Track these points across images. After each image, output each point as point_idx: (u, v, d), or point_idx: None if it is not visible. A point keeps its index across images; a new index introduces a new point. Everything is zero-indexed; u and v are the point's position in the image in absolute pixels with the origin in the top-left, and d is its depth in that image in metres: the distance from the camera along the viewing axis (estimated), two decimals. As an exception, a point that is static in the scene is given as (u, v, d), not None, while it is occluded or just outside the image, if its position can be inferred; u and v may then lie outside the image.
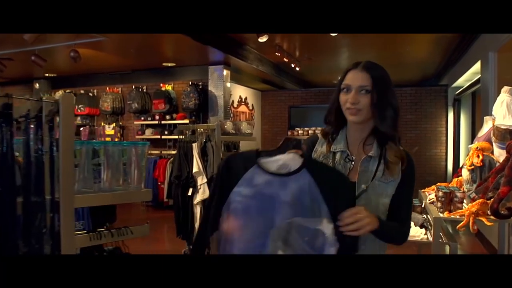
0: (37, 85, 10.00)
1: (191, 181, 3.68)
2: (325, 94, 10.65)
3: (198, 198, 3.66)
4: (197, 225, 3.53)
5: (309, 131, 6.58)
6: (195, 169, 3.65)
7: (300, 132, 6.68)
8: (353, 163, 1.52)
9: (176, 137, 6.38)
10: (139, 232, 1.83)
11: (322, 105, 10.62)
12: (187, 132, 4.43)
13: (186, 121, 8.16)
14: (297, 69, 8.73)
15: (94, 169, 1.49)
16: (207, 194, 3.57)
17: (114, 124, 9.14)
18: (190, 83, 8.31)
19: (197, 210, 3.69)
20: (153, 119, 8.70)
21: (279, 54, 7.67)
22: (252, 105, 10.60)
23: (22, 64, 7.06)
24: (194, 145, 3.70)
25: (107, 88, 9.12)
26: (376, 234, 1.40)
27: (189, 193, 3.69)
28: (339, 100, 1.52)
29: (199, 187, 3.61)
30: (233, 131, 4.08)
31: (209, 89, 8.26)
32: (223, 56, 7.55)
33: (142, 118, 8.82)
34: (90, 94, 9.30)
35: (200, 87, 8.26)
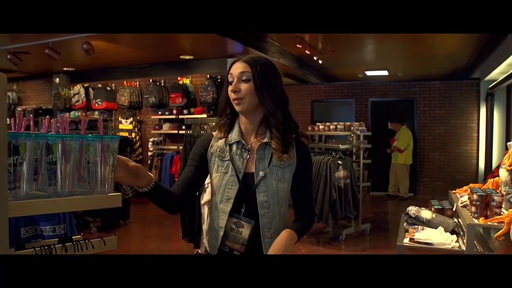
0: (57, 79, 9.93)
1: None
2: (349, 88, 10.25)
3: (205, 197, 3.36)
4: (204, 227, 3.25)
5: (331, 126, 6.20)
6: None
7: (321, 127, 6.31)
8: (249, 152, 1.59)
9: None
10: (103, 247, 1.56)
11: (346, 99, 10.25)
12: (202, 126, 4.15)
13: (204, 115, 7.90)
14: (320, 62, 8.37)
15: (49, 168, 1.20)
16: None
17: (131, 119, 8.99)
18: (208, 76, 8.05)
19: (205, 211, 3.39)
20: (171, 113, 8.48)
21: (300, 46, 7.33)
22: (273, 99, 10.26)
23: (41, 59, 6.95)
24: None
25: (124, 82, 8.95)
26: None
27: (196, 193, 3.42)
28: (228, 93, 1.57)
29: (206, 185, 3.31)
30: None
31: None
32: (242, 48, 7.26)
33: (160, 113, 8.62)
34: (108, 88, 9.15)
35: (219, 80, 7.99)
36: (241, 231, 1.55)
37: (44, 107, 9.67)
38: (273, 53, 7.67)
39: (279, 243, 1.46)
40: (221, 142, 1.63)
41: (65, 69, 9.56)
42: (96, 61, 8.53)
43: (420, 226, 2.94)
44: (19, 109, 9.74)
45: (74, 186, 1.31)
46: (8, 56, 6.78)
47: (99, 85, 9.17)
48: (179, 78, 8.50)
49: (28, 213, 1.14)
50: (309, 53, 7.66)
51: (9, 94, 10.12)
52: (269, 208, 1.54)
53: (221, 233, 1.57)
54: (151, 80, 8.63)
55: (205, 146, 1.67)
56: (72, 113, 9.32)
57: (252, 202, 1.55)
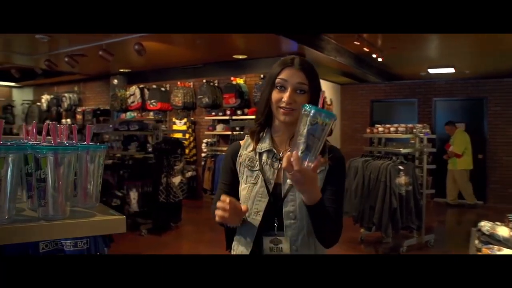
0: (115, 81, 10.10)
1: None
2: (411, 87, 9.66)
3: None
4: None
5: (391, 129, 5.76)
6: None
7: (380, 129, 5.89)
8: (280, 162, 1.49)
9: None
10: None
11: (408, 99, 9.66)
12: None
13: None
14: (380, 59, 7.90)
15: (38, 187, 0.99)
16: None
17: (185, 119, 8.94)
18: (262, 76, 7.83)
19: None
20: (224, 114, 8.34)
21: (358, 43, 6.93)
22: (331, 99, 9.88)
23: (98, 61, 7.04)
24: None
25: (178, 83, 8.92)
26: (310, 209, 1.34)
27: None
28: (270, 97, 1.48)
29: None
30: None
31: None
32: (297, 46, 6.97)
33: (213, 113, 8.50)
34: (163, 89, 9.16)
35: (273, 80, 7.71)
36: (281, 247, 1.47)
37: (102, 108, 9.85)
38: (330, 51, 7.32)
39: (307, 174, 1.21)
40: (250, 150, 1.56)
41: (122, 70, 9.71)
42: (151, 62, 8.59)
43: (496, 246, 2.53)
44: (79, 109, 10.00)
45: (74, 204, 1.11)
46: (66, 59, 6.90)
47: (154, 86, 9.20)
48: (232, 78, 8.33)
49: (4, 242, 0.93)
50: (368, 50, 7.23)
51: (70, 95, 10.43)
52: (296, 219, 1.46)
53: (249, 248, 1.50)
54: (204, 81, 8.53)
55: (233, 158, 1.60)
56: (128, 113, 9.41)
57: (282, 214, 1.47)
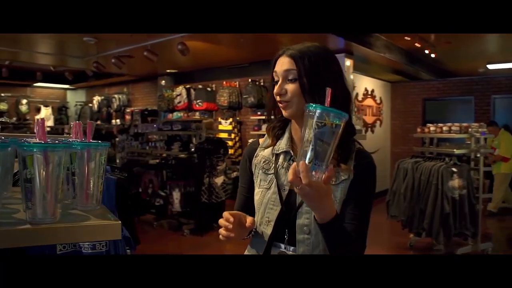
0: (163, 81, 10.23)
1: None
2: (467, 84, 9.12)
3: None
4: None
5: (444, 128, 5.42)
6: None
7: (432, 129, 5.55)
8: None
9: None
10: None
11: (464, 97, 9.13)
12: None
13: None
14: (433, 55, 7.50)
15: (25, 188, 0.90)
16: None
17: (231, 119, 8.89)
18: (307, 74, 7.62)
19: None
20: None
21: (409, 39, 6.59)
22: (380, 98, 9.53)
23: (145, 62, 7.13)
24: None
25: (224, 82, 8.88)
26: (323, 228, 1.12)
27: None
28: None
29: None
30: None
31: (330, 80, 7.46)
32: (344, 43, 6.72)
33: (259, 113, 8.39)
34: (209, 89, 9.16)
35: (321, 78, 7.51)
36: None
37: (150, 108, 10.00)
38: (379, 48, 7.02)
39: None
40: (267, 151, 1.39)
41: (169, 71, 9.81)
42: (197, 62, 8.60)
43: None
44: (128, 110, 10.20)
45: (74, 205, 1.02)
46: (113, 60, 7.02)
47: (200, 86, 9.22)
48: (277, 77, 8.18)
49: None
50: (419, 46, 6.88)
51: (120, 96, 10.66)
52: (310, 234, 1.27)
53: None
54: (250, 80, 8.44)
55: (250, 158, 1.44)
56: (174, 114, 9.49)
57: (294, 226, 1.30)
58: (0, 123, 10.35)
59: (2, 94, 10.55)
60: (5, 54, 8.03)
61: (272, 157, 1.37)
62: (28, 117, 11.03)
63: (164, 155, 6.60)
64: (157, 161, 6.46)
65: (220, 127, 9.04)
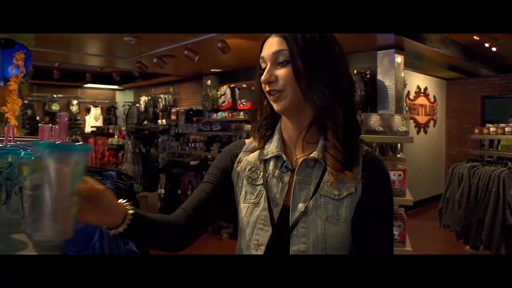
0: (209, 81, 10.15)
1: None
2: (533, 81, 8.37)
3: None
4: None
5: (506, 129, 4.91)
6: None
7: (492, 129, 5.05)
8: (292, 173, 1.07)
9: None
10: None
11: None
12: None
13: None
14: (494, 49, 6.89)
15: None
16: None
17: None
18: (355, 72, 7.24)
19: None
20: (315, 113, 7.90)
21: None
22: (434, 96, 8.95)
23: (190, 61, 7.05)
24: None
25: (268, 81, 8.64)
26: None
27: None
28: (260, 85, 1.08)
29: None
30: (381, 128, 2.97)
31: (378, 78, 7.07)
32: (394, 38, 6.30)
33: (303, 113, 8.10)
34: (253, 88, 8.91)
35: (368, 76, 7.13)
36: None
37: (195, 108, 9.95)
38: (433, 43, 6.53)
39: None
40: (253, 156, 1.13)
41: (213, 70, 9.73)
42: (241, 60, 8.44)
43: None
44: (173, 110, 10.19)
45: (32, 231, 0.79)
46: (154, 60, 6.97)
47: (244, 85, 9.04)
48: (323, 75, 7.86)
49: None
50: (478, 39, 6.32)
51: (166, 96, 10.69)
52: None
53: None
54: (294, 78, 8.16)
55: (233, 158, 1.17)
56: (219, 114, 9.37)
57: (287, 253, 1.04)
58: (51, 123, 10.65)
59: (54, 95, 10.86)
60: (57, 56, 8.22)
61: (260, 163, 1.12)
62: (78, 117, 11.30)
63: (204, 156, 6.47)
64: (197, 162, 6.33)
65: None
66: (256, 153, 1.13)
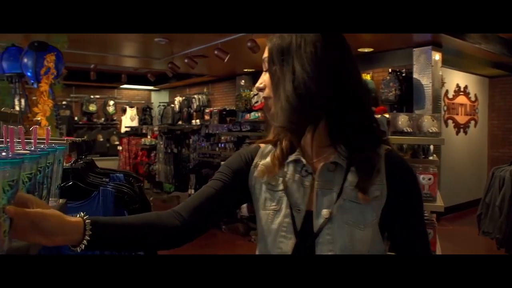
0: (242, 81, 10.11)
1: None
2: None
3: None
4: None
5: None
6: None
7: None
8: (312, 176, 1.02)
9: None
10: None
11: None
12: None
13: (386, 115, 6.88)
14: (540, 45, 6.52)
15: None
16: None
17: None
18: (390, 70, 7.01)
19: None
20: (349, 113, 7.71)
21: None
22: (475, 95, 8.55)
23: (223, 61, 7.04)
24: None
25: (301, 81, 8.51)
26: None
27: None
28: None
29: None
30: (409, 129, 2.79)
31: (414, 76, 6.81)
32: (432, 35, 6.05)
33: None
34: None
35: (403, 74, 6.89)
36: None
37: (228, 109, 9.93)
38: (474, 38, 6.23)
39: None
40: (270, 159, 1.08)
41: (246, 70, 9.69)
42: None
43: None
44: (207, 110, 10.22)
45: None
46: (186, 60, 6.98)
47: (277, 85, 8.95)
48: (357, 74, 7.65)
49: None
50: (523, 33, 5.98)
51: (200, 96, 10.72)
52: None
53: None
54: (327, 78, 7.99)
55: (248, 161, 1.12)
56: (252, 114, 9.30)
57: None
58: (88, 123, 10.92)
59: (92, 96, 11.10)
60: (94, 58, 8.39)
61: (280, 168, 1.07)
62: (115, 118, 11.51)
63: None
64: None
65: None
66: (273, 156, 1.09)
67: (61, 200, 1.32)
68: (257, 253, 1.13)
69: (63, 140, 1.44)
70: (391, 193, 0.99)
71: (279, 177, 1.06)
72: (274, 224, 1.03)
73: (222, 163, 1.19)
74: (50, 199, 1.22)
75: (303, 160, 1.04)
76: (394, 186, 1.00)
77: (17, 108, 4.50)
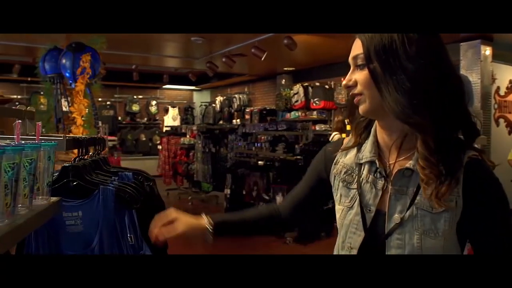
0: (283, 80, 10.01)
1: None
2: None
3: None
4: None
5: None
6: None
7: None
8: (387, 179, 1.05)
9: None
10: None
11: None
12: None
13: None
14: None
15: None
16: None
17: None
18: (434, 66, 6.69)
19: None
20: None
21: None
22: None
23: (263, 60, 6.98)
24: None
25: (342, 79, 8.29)
26: None
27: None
28: None
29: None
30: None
31: (461, 72, 6.45)
32: (482, 28, 5.71)
33: (379, 111, 7.65)
34: (326, 87, 8.65)
35: (450, 71, 6.55)
36: None
37: (268, 108, 9.86)
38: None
39: None
40: (350, 159, 1.14)
41: (286, 69, 9.57)
42: (314, 58, 8.23)
43: None
44: (247, 110, 10.19)
45: None
46: (223, 59, 6.95)
47: (317, 84, 8.77)
48: (399, 71, 7.35)
49: None
50: None
51: (240, 96, 10.72)
52: None
53: None
54: (369, 75, 7.74)
55: (327, 162, 1.20)
56: (292, 113, 9.20)
57: None
58: (131, 123, 11.15)
59: (135, 96, 11.34)
60: (137, 59, 8.56)
61: (356, 167, 1.12)
62: (157, 117, 11.70)
63: (269, 156, 6.32)
64: (263, 162, 6.19)
65: (338, 126, 8.50)
66: (353, 156, 1.13)
67: (54, 198, 1.27)
68: (336, 244, 1.19)
69: (60, 137, 1.39)
70: (469, 203, 0.98)
71: (355, 176, 1.11)
72: (346, 220, 1.10)
73: (277, 164, 1.41)
74: (40, 197, 1.17)
75: (377, 162, 1.07)
76: (472, 197, 0.97)
77: (64, 108, 4.61)
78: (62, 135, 1.53)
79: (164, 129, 10.66)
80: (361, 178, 1.10)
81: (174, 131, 9.25)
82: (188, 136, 8.25)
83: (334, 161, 1.18)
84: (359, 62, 1.02)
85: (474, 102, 6.31)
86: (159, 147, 9.03)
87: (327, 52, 7.58)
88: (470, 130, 1.02)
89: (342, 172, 1.14)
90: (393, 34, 0.98)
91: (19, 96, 9.63)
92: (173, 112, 11.90)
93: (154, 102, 11.62)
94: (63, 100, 4.71)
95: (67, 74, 4.35)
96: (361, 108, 1.04)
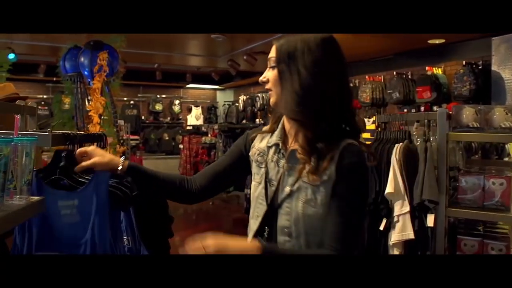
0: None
1: (383, 208, 2.25)
2: None
3: (394, 237, 2.20)
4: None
5: None
6: (389, 189, 2.20)
7: None
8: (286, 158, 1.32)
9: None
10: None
11: None
12: (399, 124, 2.97)
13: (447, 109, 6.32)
14: None
15: None
16: (409, 231, 2.10)
17: (374, 118, 8.06)
18: (464, 63, 6.42)
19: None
20: (418, 110, 7.16)
21: None
22: None
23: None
24: (396, 147, 2.25)
25: (366, 77, 8.08)
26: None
27: (381, 227, 2.26)
28: None
29: (396, 219, 2.16)
30: (476, 124, 2.39)
31: (493, 69, 6.16)
32: (513, 21, 5.43)
33: (406, 110, 7.39)
34: (351, 85, 8.44)
35: (480, 67, 6.28)
36: None
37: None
38: None
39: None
40: (263, 143, 1.38)
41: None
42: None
43: None
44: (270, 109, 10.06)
45: None
46: (245, 57, 6.85)
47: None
48: (427, 67, 7.09)
49: None
50: None
51: (263, 95, 10.56)
52: (292, 237, 1.24)
53: None
54: (395, 73, 7.51)
55: (247, 143, 1.43)
56: (315, 112, 9.04)
57: (276, 225, 1.28)
58: (155, 122, 11.17)
59: (158, 96, 11.35)
60: (160, 58, 8.54)
61: (267, 150, 1.35)
62: (180, 117, 11.69)
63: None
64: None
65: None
66: (265, 141, 1.36)
67: (35, 198, 1.18)
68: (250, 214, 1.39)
69: (46, 132, 1.31)
70: (338, 180, 1.19)
71: (265, 157, 1.33)
72: (255, 193, 1.34)
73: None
74: (17, 196, 1.09)
75: (280, 145, 1.31)
76: (340, 173, 1.18)
77: (88, 108, 4.59)
78: (54, 130, 1.45)
79: (187, 128, 10.63)
80: (268, 158, 1.33)
81: (196, 130, 9.21)
82: (209, 135, 8.19)
83: (252, 144, 1.40)
84: (271, 63, 1.26)
85: (507, 99, 6.02)
86: (181, 146, 8.99)
87: (351, 50, 7.41)
88: (352, 128, 1.26)
89: (256, 154, 1.37)
90: (299, 43, 1.21)
91: (45, 96, 9.74)
92: (196, 111, 11.86)
93: (177, 102, 11.60)
94: (86, 99, 4.67)
95: (86, 72, 4.31)
96: (271, 101, 1.29)
